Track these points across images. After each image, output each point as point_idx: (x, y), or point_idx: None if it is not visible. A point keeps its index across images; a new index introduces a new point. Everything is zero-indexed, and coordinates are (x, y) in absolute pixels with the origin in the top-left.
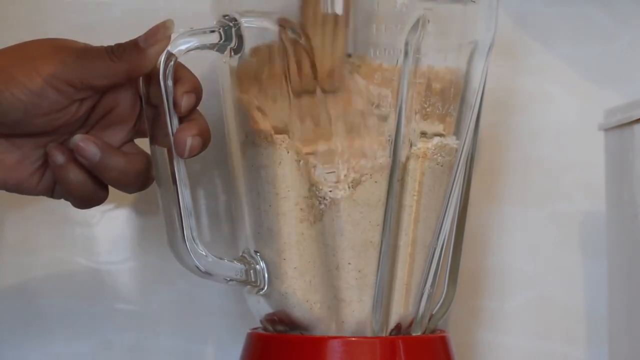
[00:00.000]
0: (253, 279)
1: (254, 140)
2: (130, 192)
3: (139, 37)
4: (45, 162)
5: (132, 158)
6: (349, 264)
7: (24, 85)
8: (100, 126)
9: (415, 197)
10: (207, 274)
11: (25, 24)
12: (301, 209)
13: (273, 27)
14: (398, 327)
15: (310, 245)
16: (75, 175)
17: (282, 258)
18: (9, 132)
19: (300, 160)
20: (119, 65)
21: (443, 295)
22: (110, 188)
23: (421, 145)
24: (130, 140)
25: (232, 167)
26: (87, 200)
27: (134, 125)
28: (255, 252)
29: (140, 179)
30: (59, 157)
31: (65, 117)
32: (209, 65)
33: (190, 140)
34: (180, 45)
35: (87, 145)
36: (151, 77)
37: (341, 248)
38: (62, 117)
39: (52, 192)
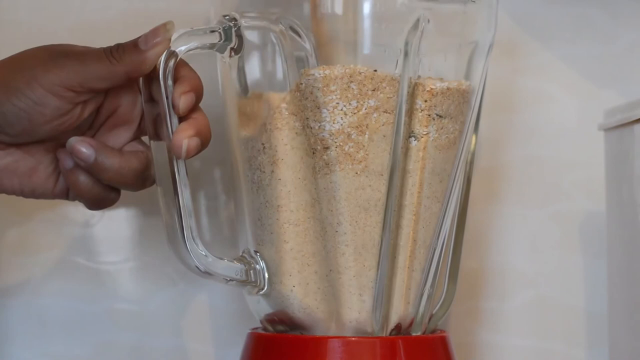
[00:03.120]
0: (253, 279)
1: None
2: (133, 190)
3: (139, 38)
4: (59, 166)
5: (128, 157)
6: (349, 262)
7: (24, 96)
8: (107, 127)
9: (415, 197)
10: (207, 274)
11: (25, 25)
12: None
13: (273, 27)
14: (398, 327)
15: (311, 245)
16: (83, 177)
17: (282, 257)
18: (18, 141)
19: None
20: (118, 68)
21: (443, 295)
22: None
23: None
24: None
25: (232, 166)
26: (98, 201)
27: (139, 124)
28: (255, 252)
29: (139, 178)
30: (67, 162)
31: (70, 121)
32: (209, 65)
33: (186, 143)
34: (180, 45)
35: (81, 146)
36: (151, 76)
37: (343, 244)
38: (66, 121)
39: (68, 194)
